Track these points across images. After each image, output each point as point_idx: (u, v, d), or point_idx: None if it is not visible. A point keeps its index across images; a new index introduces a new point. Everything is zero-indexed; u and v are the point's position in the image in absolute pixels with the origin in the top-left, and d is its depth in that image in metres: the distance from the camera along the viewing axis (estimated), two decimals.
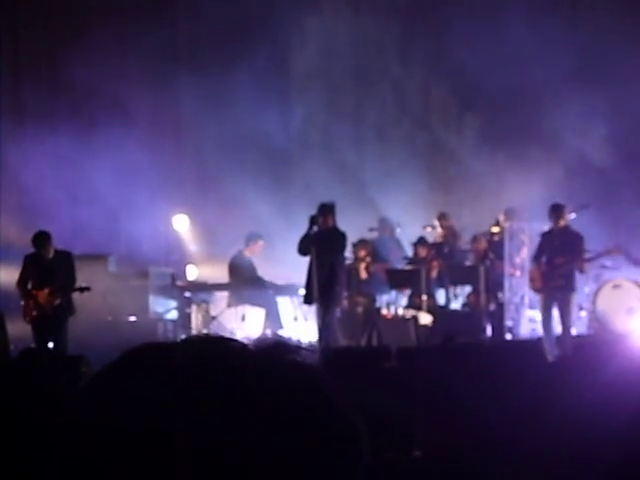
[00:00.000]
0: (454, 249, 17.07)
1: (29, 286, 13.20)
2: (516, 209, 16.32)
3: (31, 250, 13.22)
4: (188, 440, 1.07)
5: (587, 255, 14.11)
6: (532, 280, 14.17)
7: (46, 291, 12.96)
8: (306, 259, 13.80)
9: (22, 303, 13.29)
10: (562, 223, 13.90)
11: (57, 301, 12.97)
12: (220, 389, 1.10)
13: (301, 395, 1.11)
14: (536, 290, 14.13)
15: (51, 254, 13.14)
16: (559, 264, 13.59)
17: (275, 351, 1.16)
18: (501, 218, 16.20)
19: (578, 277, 14.70)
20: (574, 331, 15.49)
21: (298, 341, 13.88)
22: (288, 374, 1.13)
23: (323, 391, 1.13)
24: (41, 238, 13.11)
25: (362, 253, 16.02)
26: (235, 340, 1.17)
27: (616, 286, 14.98)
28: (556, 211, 13.94)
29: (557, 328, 14.01)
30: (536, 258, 14.17)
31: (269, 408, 1.09)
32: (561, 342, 13.19)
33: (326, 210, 13.78)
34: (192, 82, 18.59)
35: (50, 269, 13.00)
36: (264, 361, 1.14)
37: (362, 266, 15.98)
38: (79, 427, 1.12)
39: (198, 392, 1.09)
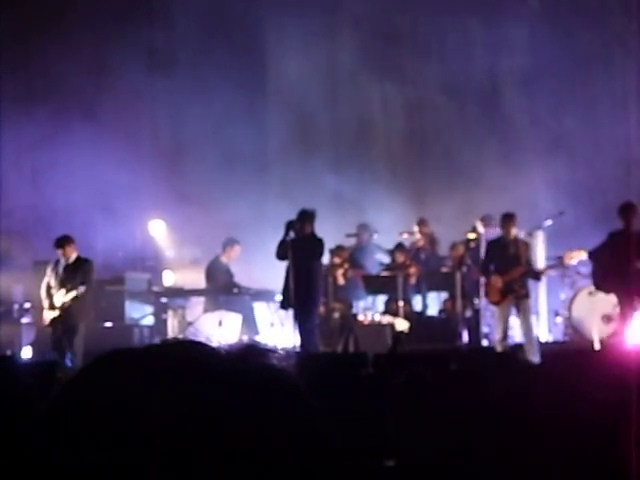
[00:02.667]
0: (432, 255, 17.09)
1: (47, 290, 13.70)
2: (493, 215, 16.34)
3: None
4: (161, 442, 1.07)
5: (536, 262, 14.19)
6: (488, 294, 13.97)
7: (61, 293, 13.43)
8: (283, 265, 13.78)
9: (43, 307, 13.73)
10: (513, 232, 13.71)
11: (69, 303, 13.41)
12: (192, 392, 1.09)
13: (271, 397, 1.11)
14: (494, 303, 13.92)
15: (72, 259, 13.62)
16: (518, 275, 13.45)
17: (246, 354, 1.16)
18: (478, 224, 16.21)
19: (554, 283, 14.73)
20: (550, 337, 15.58)
21: (274, 347, 13.85)
22: (259, 376, 1.13)
23: (293, 393, 1.13)
24: (61, 241, 13.65)
25: (339, 260, 16.04)
26: (206, 344, 1.17)
27: (592, 293, 14.99)
28: (508, 220, 13.75)
29: (518, 336, 14.06)
30: (486, 268, 13.97)
31: (240, 410, 1.09)
32: (532, 348, 13.14)
33: (305, 217, 13.75)
34: (168, 87, 18.54)
35: (69, 274, 13.52)
36: (235, 364, 1.14)
37: (339, 272, 15.99)
38: (50, 433, 1.11)
39: (170, 395, 1.09)
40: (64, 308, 13.42)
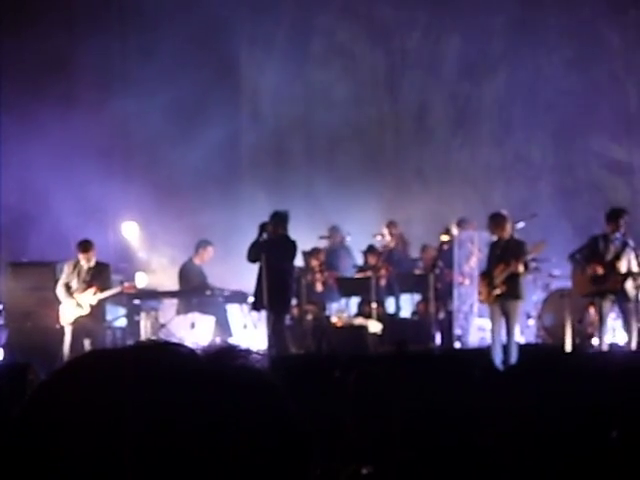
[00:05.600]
0: (403, 257, 17.12)
1: (67, 290, 14.10)
2: (468, 218, 16.36)
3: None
4: (137, 444, 1.07)
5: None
6: (480, 292, 13.88)
7: (88, 293, 13.89)
8: (256, 266, 13.76)
9: (59, 307, 14.05)
10: (504, 233, 13.39)
11: (96, 303, 13.93)
12: (170, 393, 1.09)
13: (251, 397, 1.11)
14: (482, 302, 13.90)
15: (92, 263, 14.15)
16: (498, 272, 13.32)
17: (224, 355, 1.16)
18: (452, 226, 16.20)
19: (526, 285, 14.73)
20: (522, 340, 15.61)
21: (248, 348, 13.81)
22: (238, 377, 1.13)
23: (272, 394, 1.14)
24: (86, 245, 14.18)
25: (317, 262, 16.01)
26: (184, 345, 1.17)
27: (564, 295, 15.04)
28: (494, 221, 13.49)
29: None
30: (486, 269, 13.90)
31: (219, 411, 1.09)
32: (505, 350, 13.11)
33: (278, 218, 13.71)
34: (139, 90, 18.47)
35: (94, 276, 14.07)
36: (214, 365, 1.14)
37: (318, 276, 15.94)
38: (23, 434, 1.11)
39: (147, 397, 1.09)
40: (93, 306, 13.90)
